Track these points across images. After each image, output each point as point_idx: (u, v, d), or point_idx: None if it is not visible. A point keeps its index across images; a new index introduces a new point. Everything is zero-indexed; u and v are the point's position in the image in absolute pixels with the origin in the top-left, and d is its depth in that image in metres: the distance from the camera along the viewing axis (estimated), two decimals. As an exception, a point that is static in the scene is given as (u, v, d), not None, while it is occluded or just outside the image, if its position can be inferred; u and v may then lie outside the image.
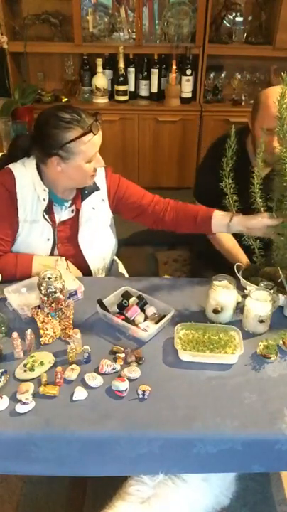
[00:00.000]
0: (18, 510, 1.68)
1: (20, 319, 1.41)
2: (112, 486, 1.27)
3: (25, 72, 3.65)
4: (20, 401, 1.14)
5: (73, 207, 1.62)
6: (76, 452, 1.12)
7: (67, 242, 1.63)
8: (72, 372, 1.22)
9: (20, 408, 1.13)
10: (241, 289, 1.50)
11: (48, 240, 1.59)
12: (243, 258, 1.76)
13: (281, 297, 1.45)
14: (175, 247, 2.65)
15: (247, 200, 1.52)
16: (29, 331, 1.29)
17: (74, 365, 1.25)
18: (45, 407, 1.15)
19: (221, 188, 1.54)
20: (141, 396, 1.18)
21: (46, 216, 1.57)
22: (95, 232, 1.65)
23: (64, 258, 1.59)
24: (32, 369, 1.22)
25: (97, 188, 1.64)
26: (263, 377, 1.25)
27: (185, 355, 1.28)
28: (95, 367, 1.25)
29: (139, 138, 3.56)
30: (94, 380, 1.20)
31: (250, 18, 3.51)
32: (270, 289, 1.40)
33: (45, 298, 1.36)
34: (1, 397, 1.15)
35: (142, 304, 1.45)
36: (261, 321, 1.37)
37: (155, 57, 3.45)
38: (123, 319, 1.39)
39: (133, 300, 1.45)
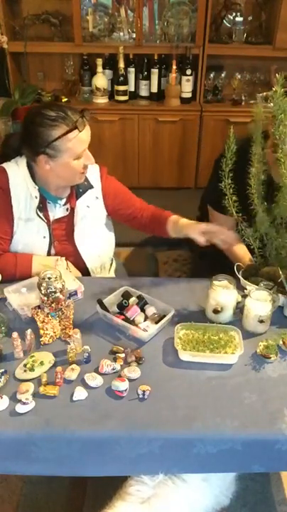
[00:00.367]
0: (18, 510, 1.68)
1: (20, 319, 1.42)
2: (112, 486, 1.27)
3: (25, 72, 3.65)
4: (20, 401, 1.14)
5: (68, 205, 1.63)
6: (76, 452, 1.12)
7: (63, 240, 1.63)
8: (72, 372, 1.22)
9: (20, 408, 1.13)
10: (241, 289, 1.50)
11: (44, 237, 1.60)
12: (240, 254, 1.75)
13: (281, 297, 1.45)
14: (175, 247, 2.65)
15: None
16: (29, 331, 1.29)
17: (74, 365, 1.25)
18: (45, 407, 1.15)
19: (247, 194, 1.51)
20: (141, 396, 1.18)
21: (40, 214, 1.57)
22: (91, 230, 1.66)
23: (64, 258, 1.59)
24: (32, 369, 1.22)
25: (91, 186, 1.65)
26: (263, 377, 1.25)
27: (185, 355, 1.28)
28: (95, 367, 1.25)
29: (139, 138, 3.56)
30: (94, 380, 1.20)
31: (250, 18, 3.50)
32: (270, 289, 1.40)
33: (45, 298, 1.36)
34: (1, 397, 1.15)
35: (142, 304, 1.45)
36: (261, 321, 1.37)
37: (155, 57, 3.45)
38: (123, 319, 1.39)
39: (133, 300, 1.45)
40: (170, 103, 3.51)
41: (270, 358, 1.30)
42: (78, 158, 1.50)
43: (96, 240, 1.68)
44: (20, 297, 1.47)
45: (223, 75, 3.59)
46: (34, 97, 3.39)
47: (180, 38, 3.43)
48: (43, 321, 1.37)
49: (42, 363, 1.24)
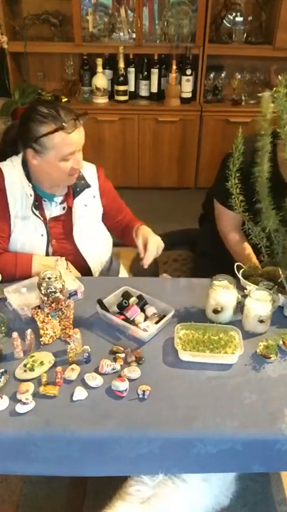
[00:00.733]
0: (18, 510, 1.68)
1: (20, 319, 1.41)
2: (112, 486, 1.27)
3: (25, 72, 3.65)
4: (20, 401, 1.14)
5: (64, 204, 1.63)
6: (76, 452, 1.12)
7: (61, 238, 1.64)
8: (72, 372, 1.22)
9: (20, 408, 1.13)
10: (241, 289, 1.50)
11: (42, 235, 1.60)
12: (247, 256, 1.76)
13: (281, 297, 1.45)
14: (175, 247, 2.65)
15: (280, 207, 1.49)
16: (29, 331, 1.29)
17: (74, 365, 1.25)
18: (45, 407, 1.14)
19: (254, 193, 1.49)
20: (141, 396, 1.18)
21: (36, 212, 1.58)
22: (89, 228, 1.67)
23: (64, 258, 1.59)
24: (32, 369, 1.22)
25: (88, 185, 1.66)
26: (263, 377, 1.25)
27: (185, 355, 1.28)
28: (95, 367, 1.25)
29: (139, 138, 3.56)
30: (94, 380, 1.20)
31: (250, 18, 3.51)
32: (270, 289, 1.40)
33: (45, 298, 1.36)
34: (1, 397, 1.15)
35: (142, 304, 1.45)
36: (261, 321, 1.37)
37: (155, 57, 3.45)
38: (123, 319, 1.39)
39: (133, 300, 1.45)
40: (170, 103, 3.51)
41: (270, 358, 1.30)
42: (64, 159, 1.49)
43: (95, 239, 1.69)
44: (20, 297, 1.47)
45: (223, 75, 3.60)
46: (34, 97, 3.39)
47: (180, 38, 3.43)
48: (43, 321, 1.37)
49: (42, 363, 1.24)
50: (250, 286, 1.47)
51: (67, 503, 1.69)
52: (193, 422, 1.12)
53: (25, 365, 1.24)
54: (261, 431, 1.11)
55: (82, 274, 1.66)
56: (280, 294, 1.44)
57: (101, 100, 3.52)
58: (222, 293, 1.39)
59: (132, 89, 3.59)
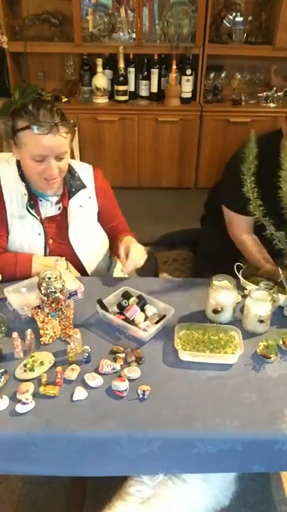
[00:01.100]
0: (18, 510, 1.68)
1: (20, 319, 1.42)
2: (112, 486, 1.27)
3: (25, 72, 3.65)
4: (20, 401, 1.14)
5: (60, 204, 1.63)
6: (76, 452, 1.12)
7: (57, 238, 1.64)
8: (72, 372, 1.22)
9: (20, 408, 1.13)
10: (241, 289, 1.50)
11: (39, 234, 1.61)
12: (261, 259, 1.75)
13: (281, 297, 1.45)
14: (174, 247, 2.65)
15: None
16: (29, 331, 1.29)
17: (74, 365, 1.25)
18: (45, 407, 1.15)
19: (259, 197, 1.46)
20: (141, 396, 1.18)
21: (31, 211, 1.57)
22: (84, 229, 1.66)
23: (64, 258, 1.59)
24: (32, 369, 1.22)
25: (84, 186, 1.65)
26: (263, 377, 1.25)
27: (185, 355, 1.28)
28: (95, 367, 1.25)
29: (139, 138, 3.56)
30: (94, 380, 1.20)
31: (250, 18, 3.51)
32: (270, 289, 1.40)
33: (45, 298, 1.36)
34: (1, 397, 1.15)
35: (142, 304, 1.45)
36: (261, 321, 1.37)
37: (155, 57, 3.45)
38: (123, 319, 1.39)
39: (133, 300, 1.45)
40: (170, 103, 3.51)
41: (270, 358, 1.30)
42: (35, 159, 1.47)
43: (91, 240, 1.69)
44: (20, 297, 1.47)
45: (223, 75, 3.59)
46: (34, 97, 3.39)
47: (180, 38, 3.43)
48: (43, 321, 1.37)
49: (42, 363, 1.24)
50: (250, 286, 1.47)
51: (67, 503, 1.69)
52: (193, 422, 1.12)
53: (25, 365, 1.24)
54: (261, 431, 1.11)
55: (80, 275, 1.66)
56: (280, 294, 1.44)
57: (101, 100, 3.52)
58: (222, 293, 1.39)
59: (132, 89, 3.59)
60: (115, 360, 1.28)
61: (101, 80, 3.46)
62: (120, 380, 1.18)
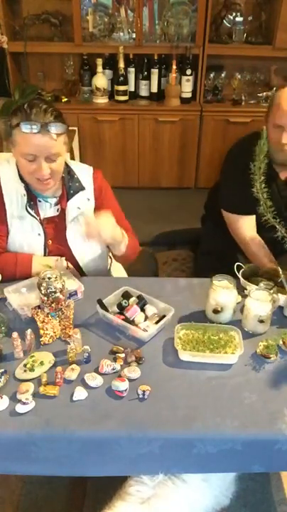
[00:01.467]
0: (18, 510, 1.68)
1: (20, 319, 1.41)
2: (112, 486, 1.27)
3: (25, 72, 3.65)
4: (20, 401, 1.14)
5: (58, 205, 1.63)
6: (76, 452, 1.12)
7: (56, 239, 1.63)
8: (72, 372, 1.22)
9: (20, 408, 1.13)
10: (241, 289, 1.50)
11: (39, 234, 1.60)
12: (267, 263, 1.75)
13: (281, 297, 1.45)
14: (174, 247, 2.65)
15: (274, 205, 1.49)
16: (29, 331, 1.29)
17: (74, 365, 1.25)
18: (45, 407, 1.15)
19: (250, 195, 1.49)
20: (141, 396, 1.18)
21: (31, 211, 1.57)
22: (82, 231, 1.65)
23: (64, 258, 1.59)
24: (32, 369, 1.22)
25: (83, 188, 1.64)
26: (263, 377, 1.25)
27: (185, 355, 1.28)
28: (95, 367, 1.26)
29: (139, 138, 3.56)
30: (94, 380, 1.20)
31: (250, 18, 3.50)
32: (270, 289, 1.40)
33: (45, 298, 1.36)
34: (1, 397, 1.15)
35: (142, 304, 1.45)
36: (261, 321, 1.37)
37: (155, 57, 3.45)
38: (123, 319, 1.39)
39: (133, 300, 1.45)
40: (170, 103, 3.51)
41: (270, 358, 1.30)
42: (26, 158, 1.47)
43: (89, 242, 1.67)
44: (20, 297, 1.47)
45: (223, 75, 3.59)
46: (34, 97, 3.36)
47: (180, 38, 3.42)
48: (43, 321, 1.37)
49: (42, 363, 1.24)
50: (250, 286, 1.47)
51: (67, 503, 1.69)
52: (193, 422, 1.12)
53: (25, 365, 1.24)
54: (261, 431, 1.11)
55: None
56: (280, 294, 1.44)
57: (101, 100, 3.51)
58: (222, 293, 1.39)
59: (132, 89, 3.58)
60: (115, 360, 1.28)
61: (101, 80, 3.46)
62: (120, 380, 1.18)
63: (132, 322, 1.39)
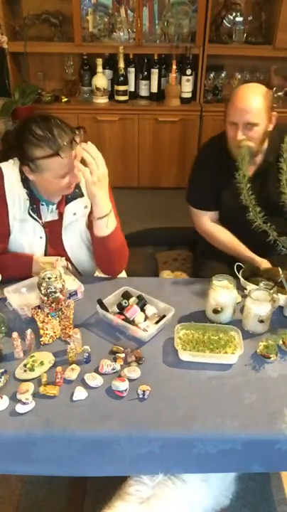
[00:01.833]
0: (18, 510, 1.68)
1: (20, 319, 1.41)
2: (112, 485, 1.27)
3: (25, 72, 3.65)
4: (20, 401, 1.14)
5: (58, 210, 1.62)
6: (76, 452, 1.12)
7: (55, 243, 1.63)
8: (72, 372, 1.22)
9: (20, 408, 1.13)
10: (241, 289, 1.50)
11: (41, 237, 1.60)
12: (245, 250, 1.80)
13: (281, 297, 1.45)
14: (174, 247, 2.65)
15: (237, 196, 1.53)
16: (29, 331, 1.29)
17: (74, 365, 1.25)
18: (45, 407, 1.14)
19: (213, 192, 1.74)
20: (141, 396, 1.18)
21: (33, 215, 1.57)
22: (77, 237, 1.64)
23: (64, 258, 1.59)
24: (32, 369, 1.22)
25: (82, 195, 1.62)
26: (263, 377, 1.25)
27: (185, 355, 1.28)
28: (95, 367, 1.25)
29: (139, 138, 3.56)
30: (94, 380, 1.20)
31: (250, 18, 3.51)
32: (270, 289, 1.40)
33: (45, 298, 1.36)
34: (1, 397, 1.15)
35: (142, 304, 1.45)
36: (261, 321, 1.37)
37: (155, 57, 3.45)
38: (123, 319, 1.39)
39: (133, 300, 1.45)
40: (170, 103, 3.51)
41: (270, 358, 1.30)
42: (62, 177, 1.47)
43: (84, 247, 1.67)
44: (20, 297, 1.47)
45: (223, 75, 3.59)
46: (34, 97, 3.40)
47: (180, 38, 3.43)
48: (43, 321, 1.37)
49: (42, 363, 1.24)
50: (250, 286, 1.47)
51: (67, 503, 1.69)
52: (193, 422, 1.12)
53: (25, 365, 1.24)
54: (261, 431, 1.11)
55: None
56: (280, 294, 1.44)
57: (101, 100, 3.52)
58: (222, 293, 1.39)
59: (132, 89, 3.59)
60: (115, 360, 1.28)
61: (101, 80, 3.46)
62: (120, 380, 1.18)
63: (132, 322, 1.39)
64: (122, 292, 1.49)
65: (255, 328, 1.39)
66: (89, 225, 1.62)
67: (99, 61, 3.41)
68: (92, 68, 3.50)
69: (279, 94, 3.55)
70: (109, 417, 1.13)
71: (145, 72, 3.52)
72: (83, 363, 1.27)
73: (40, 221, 1.59)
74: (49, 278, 1.36)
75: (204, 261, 1.97)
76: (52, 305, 1.37)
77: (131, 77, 3.54)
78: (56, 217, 1.62)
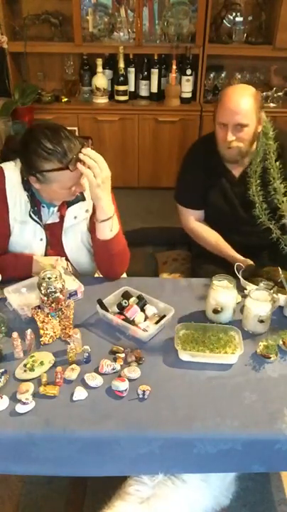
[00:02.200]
0: (18, 510, 1.68)
1: (20, 319, 1.41)
2: (112, 486, 1.27)
3: (25, 72, 3.65)
4: (20, 401, 1.14)
5: (59, 213, 1.62)
6: (76, 452, 1.12)
7: (55, 245, 1.63)
8: (72, 372, 1.22)
9: (20, 408, 1.13)
10: (241, 289, 1.50)
11: (41, 239, 1.60)
12: (228, 249, 1.82)
13: (281, 297, 1.45)
14: (174, 247, 2.65)
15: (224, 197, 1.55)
16: (29, 331, 1.29)
17: (74, 365, 1.25)
18: (45, 407, 1.14)
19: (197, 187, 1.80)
20: (141, 396, 1.18)
21: (34, 217, 1.57)
22: (78, 240, 1.64)
23: (64, 258, 1.59)
24: (32, 369, 1.22)
25: (83, 199, 1.61)
26: (263, 377, 1.25)
27: (185, 355, 1.28)
28: (95, 367, 1.25)
29: (139, 138, 3.56)
30: (94, 380, 1.20)
31: (250, 18, 3.51)
32: (270, 289, 1.40)
33: (45, 298, 1.36)
34: (1, 397, 1.15)
35: (142, 304, 1.45)
36: (261, 321, 1.37)
37: (155, 57, 3.45)
38: (123, 319, 1.39)
39: (133, 300, 1.45)
40: (170, 103, 3.51)
41: (270, 358, 1.30)
42: (68, 188, 1.47)
43: (84, 249, 1.67)
44: (20, 297, 1.47)
45: (223, 75, 3.60)
46: (34, 97, 3.39)
47: (180, 38, 3.43)
48: (43, 321, 1.37)
49: (42, 363, 1.24)
50: (250, 286, 1.47)
51: (67, 503, 1.69)
52: (193, 422, 1.12)
53: (25, 365, 1.24)
54: (261, 431, 1.11)
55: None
56: (280, 294, 1.44)
57: (101, 100, 3.52)
58: (222, 293, 1.39)
59: (132, 89, 3.59)
60: (115, 360, 1.28)
61: (101, 80, 3.46)
62: (120, 380, 1.18)
63: (132, 322, 1.39)
64: (122, 292, 1.49)
65: (255, 328, 1.39)
66: (91, 229, 1.61)
67: (99, 61, 3.41)
68: (92, 68, 3.50)
69: (279, 94, 3.55)
70: (109, 417, 1.13)
71: (145, 72, 3.52)
72: (83, 363, 1.27)
73: (41, 223, 1.59)
74: (49, 278, 1.36)
75: (198, 263, 1.98)
76: (52, 305, 1.37)
77: (131, 77, 3.54)
78: (57, 220, 1.62)
